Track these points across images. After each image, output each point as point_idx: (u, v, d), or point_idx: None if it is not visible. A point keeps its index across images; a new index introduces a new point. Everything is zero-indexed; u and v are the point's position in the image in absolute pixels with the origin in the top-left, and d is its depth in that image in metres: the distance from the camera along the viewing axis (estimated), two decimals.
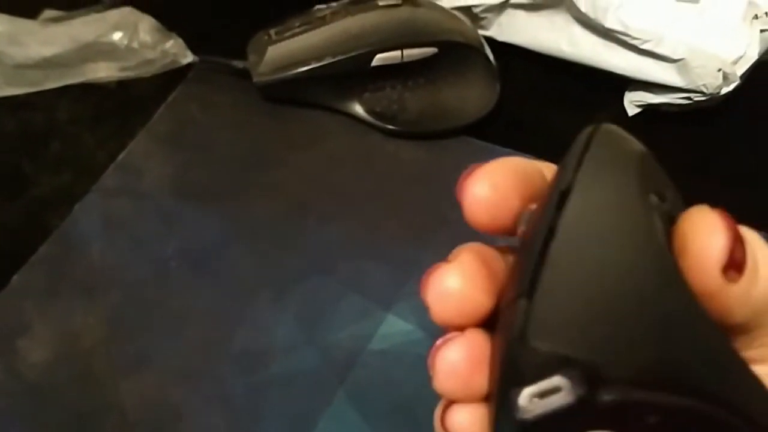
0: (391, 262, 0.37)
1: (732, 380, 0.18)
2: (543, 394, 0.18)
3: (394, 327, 0.35)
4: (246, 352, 0.34)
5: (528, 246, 0.19)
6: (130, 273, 0.37)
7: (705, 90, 0.40)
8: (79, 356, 0.34)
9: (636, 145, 0.20)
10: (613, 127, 0.20)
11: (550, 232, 0.18)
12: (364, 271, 0.37)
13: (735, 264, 0.18)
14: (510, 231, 0.21)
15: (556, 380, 0.17)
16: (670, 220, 0.19)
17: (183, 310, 0.36)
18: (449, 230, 0.39)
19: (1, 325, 0.35)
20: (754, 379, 0.18)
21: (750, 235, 0.19)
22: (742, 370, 0.18)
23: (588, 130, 0.20)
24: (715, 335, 0.18)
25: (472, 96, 0.44)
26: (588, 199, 0.18)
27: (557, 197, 0.18)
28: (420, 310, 0.35)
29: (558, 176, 0.19)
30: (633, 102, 0.44)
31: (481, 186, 0.21)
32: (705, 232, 0.18)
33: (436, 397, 0.32)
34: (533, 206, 0.21)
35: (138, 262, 0.37)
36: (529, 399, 0.18)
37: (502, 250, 0.23)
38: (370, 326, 0.35)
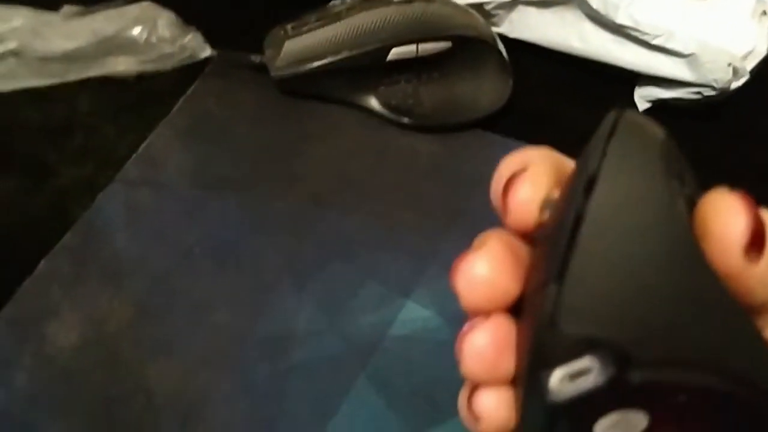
0: (409, 252, 0.38)
1: (757, 360, 0.18)
2: (573, 376, 0.18)
3: (414, 313, 0.36)
4: (269, 338, 0.35)
5: (554, 232, 0.20)
6: (154, 261, 0.38)
7: (715, 85, 0.41)
8: (106, 341, 0.35)
9: (659, 130, 0.20)
10: (636, 114, 0.21)
11: (578, 218, 0.18)
12: (382, 260, 0.38)
13: (756, 244, 0.18)
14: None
15: (587, 362, 0.18)
16: (691, 204, 0.20)
17: (206, 297, 0.36)
18: (465, 221, 0.40)
19: (29, 309, 0.36)
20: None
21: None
22: (766, 349, 0.19)
23: (611, 116, 0.20)
24: (740, 316, 0.18)
25: (486, 90, 0.44)
26: (615, 184, 0.19)
27: (584, 183, 0.19)
28: (438, 297, 0.36)
29: (583, 162, 0.20)
30: (643, 97, 0.44)
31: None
32: (726, 214, 0.19)
33: (455, 379, 0.33)
34: (555, 194, 0.21)
35: (161, 251, 0.38)
36: (559, 381, 0.18)
37: (523, 237, 0.23)
38: (389, 313, 0.36)
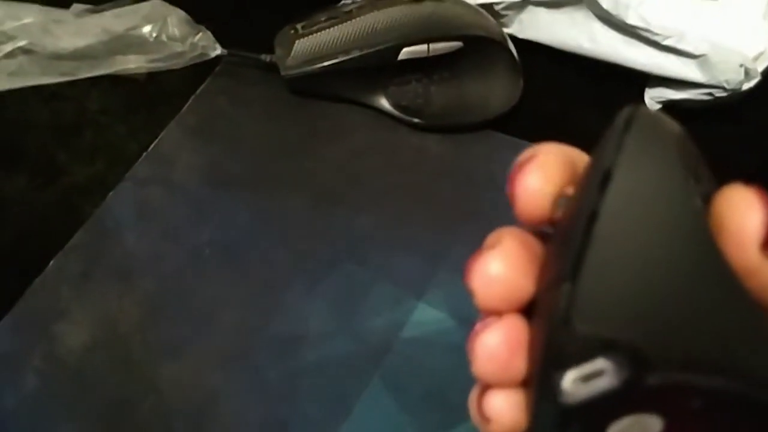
0: (421, 252, 0.38)
1: None
2: (587, 378, 0.17)
3: (426, 315, 0.35)
4: (281, 338, 0.35)
5: (568, 229, 0.19)
6: (165, 260, 0.38)
7: (726, 86, 0.41)
8: (117, 341, 0.35)
9: (675, 126, 0.20)
10: (651, 109, 0.20)
11: (593, 214, 0.18)
12: (394, 261, 0.38)
13: None
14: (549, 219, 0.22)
15: (600, 363, 0.17)
16: (707, 200, 0.19)
17: (217, 297, 0.36)
18: (476, 222, 0.39)
19: (39, 309, 0.36)
20: None
21: None
22: None
23: (626, 111, 0.20)
24: (758, 317, 0.18)
25: (496, 90, 0.44)
26: (631, 180, 0.18)
27: (599, 178, 0.18)
28: (451, 299, 0.36)
29: (598, 157, 0.19)
30: (654, 98, 0.44)
31: (534, 176, 0.21)
32: (741, 209, 0.18)
33: (468, 382, 0.33)
34: (569, 190, 0.21)
35: (172, 250, 0.38)
36: (572, 383, 0.17)
37: (536, 235, 0.23)
38: (402, 314, 0.35)
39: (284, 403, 0.33)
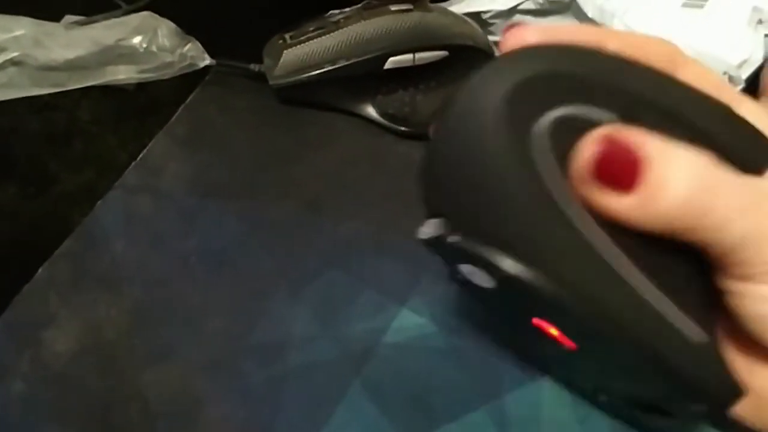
0: (405, 259, 0.38)
1: (570, 258, 0.22)
2: (429, 226, 0.25)
3: (408, 321, 0.36)
4: (265, 345, 0.35)
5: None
6: (152, 267, 0.38)
7: None
8: (103, 347, 0.35)
9: (538, 62, 0.23)
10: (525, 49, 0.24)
11: (437, 126, 0.24)
12: (378, 268, 0.38)
13: (616, 174, 0.21)
14: None
15: (433, 221, 0.25)
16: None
17: (203, 304, 0.37)
18: None
19: (27, 316, 0.36)
20: (595, 259, 0.22)
21: (665, 153, 0.20)
22: (588, 251, 0.22)
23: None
24: (555, 219, 0.22)
25: None
26: (467, 100, 0.23)
27: (450, 99, 0.24)
28: (433, 305, 0.37)
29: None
30: None
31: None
32: (587, 143, 0.21)
33: (449, 387, 0.33)
34: None
35: (159, 257, 0.38)
36: (424, 228, 0.25)
37: None
38: (384, 320, 0.36)
39: (267, 407, 0.34)
